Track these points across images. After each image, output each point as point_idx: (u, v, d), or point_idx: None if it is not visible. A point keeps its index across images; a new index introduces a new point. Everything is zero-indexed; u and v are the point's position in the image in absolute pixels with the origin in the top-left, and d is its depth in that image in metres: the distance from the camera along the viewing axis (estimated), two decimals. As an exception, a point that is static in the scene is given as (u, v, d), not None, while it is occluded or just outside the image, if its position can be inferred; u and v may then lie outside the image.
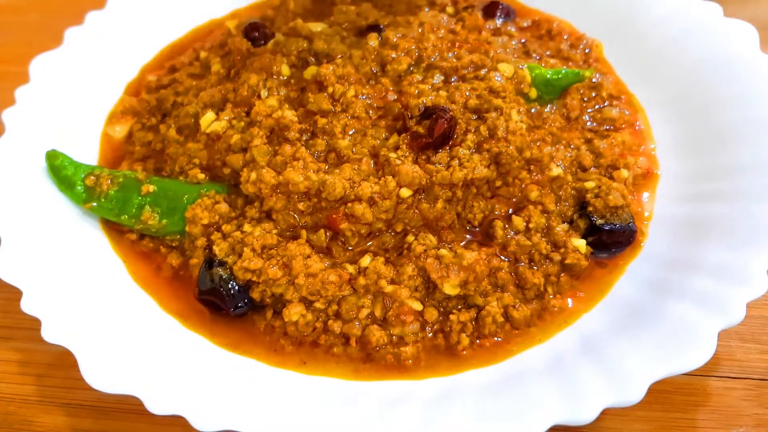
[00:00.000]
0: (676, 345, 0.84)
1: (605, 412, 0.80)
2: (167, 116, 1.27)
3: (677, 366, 0.82)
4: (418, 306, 0.97)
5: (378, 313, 0.97)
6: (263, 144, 1.06)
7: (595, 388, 0.82)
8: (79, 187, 1.11)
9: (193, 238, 1.06)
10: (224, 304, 0.98)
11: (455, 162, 1.03)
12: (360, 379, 0.93)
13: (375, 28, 1.28)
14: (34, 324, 0.91)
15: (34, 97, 1.25)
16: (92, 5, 1.47)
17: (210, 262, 1.01)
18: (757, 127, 1.07)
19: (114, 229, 1.12)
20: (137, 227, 1.10)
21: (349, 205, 0.99)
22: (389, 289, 0.97)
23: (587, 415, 0.79)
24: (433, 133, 1.03)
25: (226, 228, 1.04)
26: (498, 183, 1.07)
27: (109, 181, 1.11)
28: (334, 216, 1.00)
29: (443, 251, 0.99)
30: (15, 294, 0.95)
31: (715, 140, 1.11)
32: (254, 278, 0.98)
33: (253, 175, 1.03)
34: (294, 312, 0.96)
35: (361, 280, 0.98)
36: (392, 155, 1.02)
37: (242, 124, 1.12)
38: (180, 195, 1.09)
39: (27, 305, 0.93)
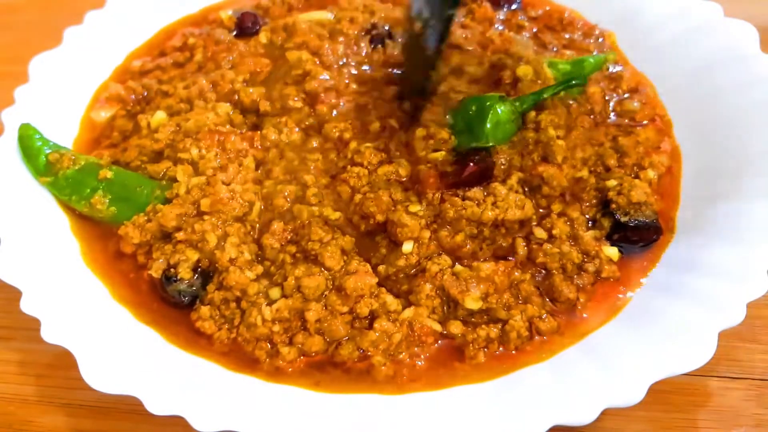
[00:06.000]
0: (676, 345, 0.84)
1: (605, 412, 0.80)
2: (150, 104, 1.27)
3: (677, 366, 0.82)
4: (437, 327, 0.95)
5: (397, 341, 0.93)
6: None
7: (595, 388, 0.82)
8: (41, 160, 1.12)
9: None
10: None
11: (489, 199, 1.00)
12: (357, 393, 0.90)
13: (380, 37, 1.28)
14: (34, 324, 0.91)
15: (33, 96, 1.25)
16: (91, 4, 1.46)
17: (168, 278, 0.99)
18: (756, 128, 1.07)
19: (108, 229, 1.11)
20: (84, 210, 1.09)
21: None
22: (407, 314, 0.94)
23: (587, 415, 0.79)
24: (461, 173, 1.02)
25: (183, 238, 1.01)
26: (534, 219, 1.03)
27: (72, 162, 1.12)
28: None
29: (459, 267, 0.97)
30: (15, 294, 0.94)
31: (714, 140, 1.11)
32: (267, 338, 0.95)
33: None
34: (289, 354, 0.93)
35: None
36: (404, 216, 0.99)
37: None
38: (134, 186, 1.09)
39: (26, 305, 0.93)
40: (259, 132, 1.16)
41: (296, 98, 1.20)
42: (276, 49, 1.32)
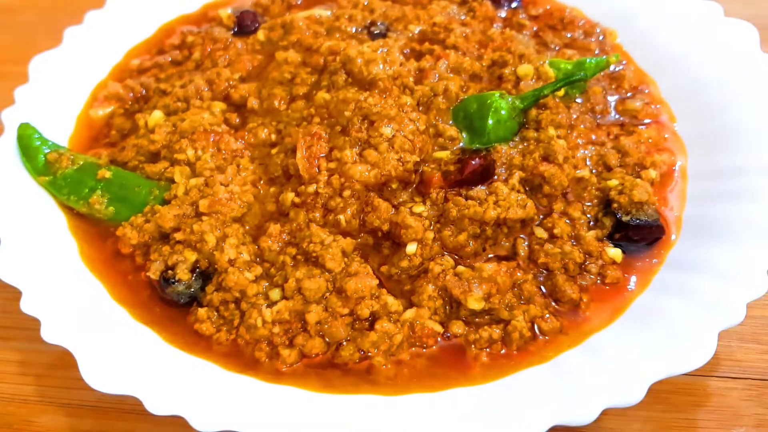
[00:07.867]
0: (676, 345, 0.84)
1: (605, 412, 0.80)
2: (148, 102, 1.28)
3: (677, 366, 0.82)
4: (438, 328, 0.94)
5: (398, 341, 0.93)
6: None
7: (595, 388, 0.82)
8: (40, 159, 1.12)
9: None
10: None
11: (491, 198, 1.00)
12: (357, 393, 0.90)
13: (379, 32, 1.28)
14: (34, 324, 0.91)
15: (33, 96, 1.25)
16: (91, 4, 1.46)
17: (166, 280, 0.99)
18: (757, 128, 1.07)
19: (106, 229, 1.10)
20: (83, 209, 1.10)
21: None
22: (409, 315, 0.94)
23: (587, 415, 0.79)
24: (463, 171, 1.03)
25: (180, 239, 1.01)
26: (536, 219, 1.03)
27: (70, 161, 1.12)
28: None
29: (461, 268, 0.97)
30: (15, 294, 0.95)
31: (714, 140, 1.11)
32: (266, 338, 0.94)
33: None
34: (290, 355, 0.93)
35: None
36: (408, 218, 0.99)
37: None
38: (132, 186, 1.10)
39: (26, 305, 0.93)
40: (246, 129, 1.16)
41: (282, 99, 1.19)
42: (274, 47, 1.32)
